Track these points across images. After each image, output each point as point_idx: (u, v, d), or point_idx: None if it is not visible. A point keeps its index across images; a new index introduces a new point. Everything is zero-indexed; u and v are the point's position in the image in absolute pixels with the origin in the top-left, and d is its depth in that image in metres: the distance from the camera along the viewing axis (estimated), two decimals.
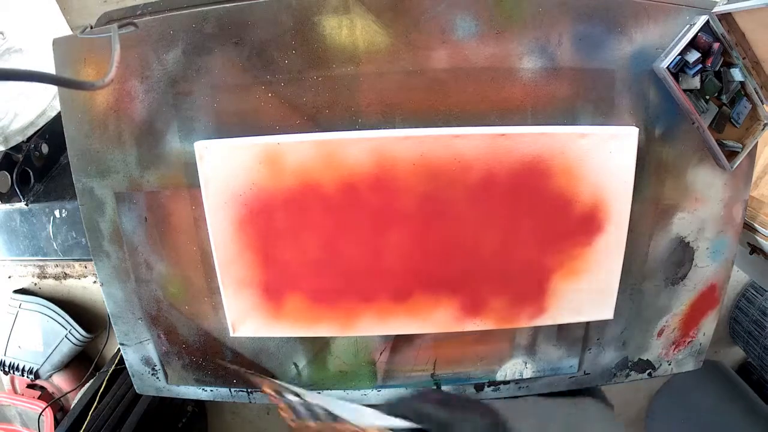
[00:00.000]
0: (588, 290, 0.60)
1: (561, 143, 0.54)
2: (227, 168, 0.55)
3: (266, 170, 0.55)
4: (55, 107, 0.84)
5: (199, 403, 1.29)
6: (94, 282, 0.97)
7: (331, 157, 0.54)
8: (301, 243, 0.58)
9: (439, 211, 0.56)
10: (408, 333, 0.63)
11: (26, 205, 0.86)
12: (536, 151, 0.54)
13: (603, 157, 0.55)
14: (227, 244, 0.58)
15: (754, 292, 1.29)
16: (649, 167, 0.59)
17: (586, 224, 0.57)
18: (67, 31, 0.84)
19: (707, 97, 0.56)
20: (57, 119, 0.85)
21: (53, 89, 0.83)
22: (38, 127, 0.84)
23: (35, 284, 1.01)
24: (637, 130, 0.55)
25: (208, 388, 0.70)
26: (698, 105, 0.56)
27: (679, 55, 0.53)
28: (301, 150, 0.54)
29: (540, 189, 0.55)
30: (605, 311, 0.62)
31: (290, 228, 0.57)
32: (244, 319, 0.61)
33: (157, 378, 0.70)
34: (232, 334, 0.62)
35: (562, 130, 0.55)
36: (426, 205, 0.56)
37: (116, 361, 0.97)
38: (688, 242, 0.63)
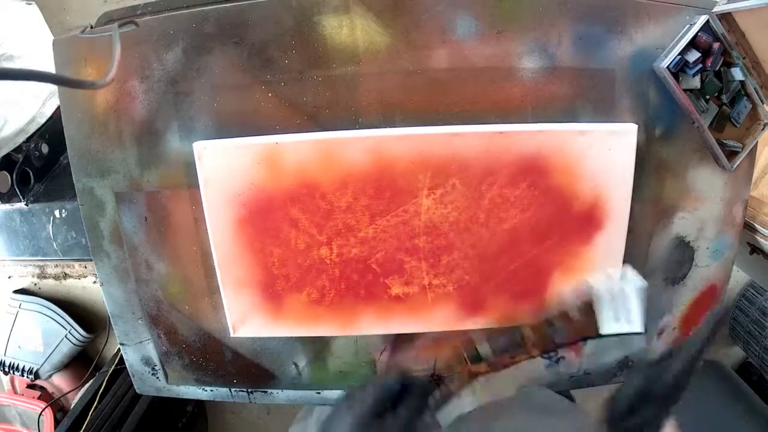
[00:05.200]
0: None
1: (560, 140, 0.54)
2: (226, 168, 0.55)
3: (265, 170, 0.55)
4: (45, 114, 0.84)
5: (199, 403, 1.29)
6: (94, 282, 0.97)
7: (330, 157, 0.54)
8: (301, 243, 0.58)
9: (438, 209, 0.56)
10: (408, 332, 0.63)
11: (26, 205, 0.86)
12: (535, 149, 0.54)
13: (602, 154, 0.55)
14: (227, 245, 0.58)
15: (754, 292, 1.29)
16: (649, 167, 0.59)
17: (586, 222, 0.57)
18: (49, 37, 0.83)
19: (707, 96, 0.56)
20: (56, 119, 0.85)
21: (42, 96, 0.83)
22: (29, 134, 0.84)
23: (35, 284, 1.01)
24: (636, 126, 0.55)
25: (208, 388, 0.70)
26: (698, 105, 0.56)
27: (679, 54, 0.53)
28: (299, 149, 0.54)
29: (539, 186, 0.55)
30: None
31: (289, 228, 0.57)
32: (244, 319, 0.61)
33: (157, 378, 0.70)
34: (232, 335, 0.62)
35: (561, 128, 0.55)
36: (425, 204, 0.56)
37: (116, 361, 0.97)
38: (689, 242, 0.63)
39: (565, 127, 0.55)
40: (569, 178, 0.55)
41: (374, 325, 0.61)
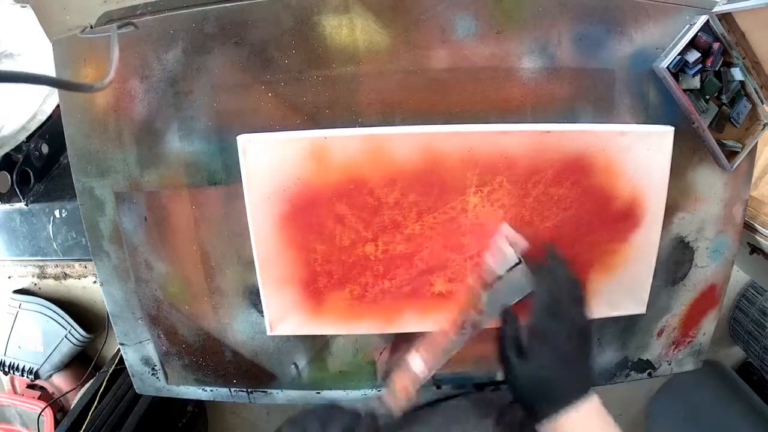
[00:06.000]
0: (623, 285, 0.61)
1: (602, 140, 0.54)
2: (271, 162, 0.54)
3: (312, 165, 0.54)
4: (46, 111, 0.84)
5: (199, 403, 1.29)
6: (94, 282, 0.97)
7: (379, 153, 0.53)
8: (345, 239, 0.57)
9: (485, 207, 0.56)
10: None
11: (26, 205, 0.86)
12: (579, 148, 0.54)
13: (641, 154, 0.55)
14: (268, 241, 0.57)
15: (754, 292, 1.29)
16: None
17: (624, 220, 0.58)
18: (45, 39, 0.83)
19: (707, 97, 0.56)
20: (56, 119, 0.85)
21: (42, 93, 0.83)
22: (30, 132, 0.83)
23: (35, 284, 1.01)
24: (673, 129, 0.55)
25: (208, 388, 0.70)
26: (698, 105, 0.56)
27: (679, 54, 0.53)
28: (348, 145, 0.53)
29: (581, 185, 0.56)
30: (638, 306, 0.62)
31: (334, 224, 0.56)
32: (283, 317, 0.60)
33: (157, 378, 0.70)
34: (269, 333, 0.61)
35: (603, 128, 0.55)
36: (472, 201, 0.55)
37: (116, 361, 0.97)
38: (688, 242, 0.63)
39: (607, 128, 0.55)
40: (609, 178, 0.56)
41: (415, 322, 0.60)
